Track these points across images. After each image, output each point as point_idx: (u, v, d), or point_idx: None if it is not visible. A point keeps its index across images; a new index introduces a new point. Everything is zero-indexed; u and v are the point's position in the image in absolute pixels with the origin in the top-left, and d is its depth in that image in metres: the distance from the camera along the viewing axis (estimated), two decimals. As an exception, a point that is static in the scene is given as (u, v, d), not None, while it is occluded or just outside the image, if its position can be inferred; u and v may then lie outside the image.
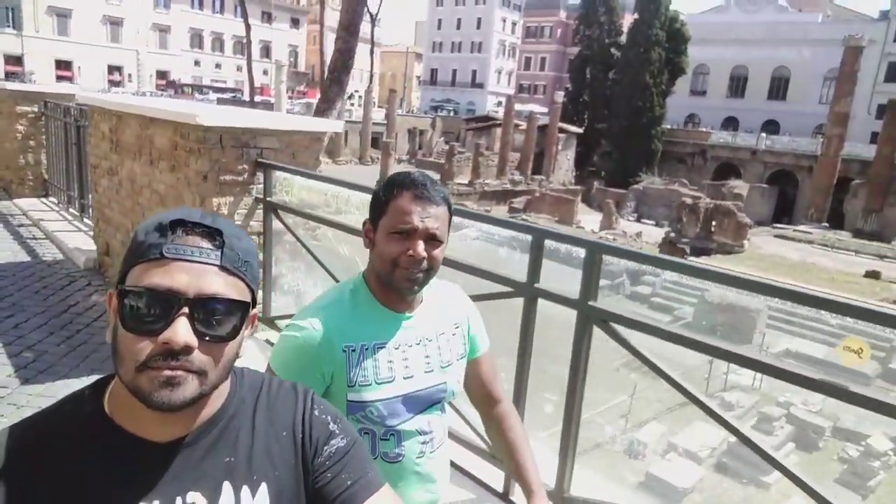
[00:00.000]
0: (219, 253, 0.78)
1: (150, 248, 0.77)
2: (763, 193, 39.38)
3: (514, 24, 71.55)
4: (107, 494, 0.77)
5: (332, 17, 75.15)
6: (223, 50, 60.88)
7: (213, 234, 0.79)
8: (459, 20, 72.15)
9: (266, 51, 61.23)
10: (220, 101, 41.39)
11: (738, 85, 57.76)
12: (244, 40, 36.02)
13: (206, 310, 0.77)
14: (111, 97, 5.37)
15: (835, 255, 24.93)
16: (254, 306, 0.85)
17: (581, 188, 39.10)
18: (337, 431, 0.93)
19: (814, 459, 11.35)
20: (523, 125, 40.49)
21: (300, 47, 67.47)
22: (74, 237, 5.60)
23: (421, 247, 1.22)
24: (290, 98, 51.63)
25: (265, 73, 57.13)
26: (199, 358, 0.76)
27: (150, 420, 0.79)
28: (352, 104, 51.92)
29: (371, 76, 44.59)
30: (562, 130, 41.37)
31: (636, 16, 42.79)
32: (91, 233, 5.35)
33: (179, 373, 0.75)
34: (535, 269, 1.97)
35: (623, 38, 44.27)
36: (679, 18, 43.57)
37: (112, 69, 50.25)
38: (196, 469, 0.82)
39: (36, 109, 6.76)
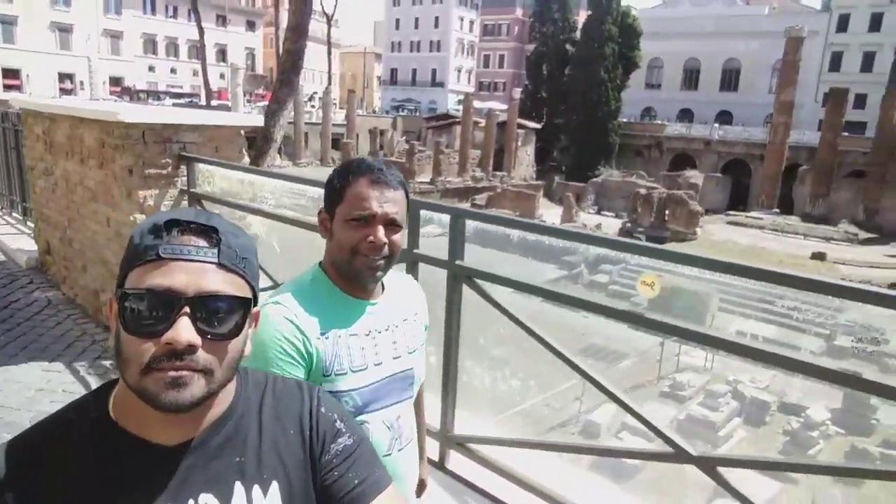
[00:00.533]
0: (216, 251, 0.78)
1: (146, 249, 0.77)
2: (717, 182, 40.53)
3: (471, 22, 72.02)
4: (117, 500, 0.77)
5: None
6: (178, 55, 59.96)
7: (209, 231, 0.79)
8: (417, 20, 72.32)
9: (222, 54, 60.48)
10: (176, 106, 40.94)
11: (691, 77, 59.24)
12: (199, 45, 35.71)
13: (207, 308, 0.77)
14: (43, 100, 5.47)
15: (784, 239, 25.87)
16: (255, 303, 0.85)
17: (542, 183, 39.70)
18: (344, 429, 0.93)
19: (761, 434, 11.90)
20: (483, 122, 40.91)
21: (257, 50, 66.80)
22: (17, 239, 5.69)
23: (381, 232, 1.20)
24: (248, 101, 51.26)
25: (222, 76, 56.47)
26: (203, 357, 0.77)
27: (158, 423, 0.79)
28: (312, 106, 51.67)
29: (329, 77, 44.60)
30: (521, 126, 41.91)
31: (589, 12, 43.55)
32: (33, 234, 5.45)
33: (185, 373, 0.75)
34: (413, 239, 2.20)
35: (577, 35, 44.99)
36: (631, 14, 44.50)
37: (63, 77, 49.10)
38: (207, 471, 0.82)
39: (-27, 116, 6.79)
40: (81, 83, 48.96)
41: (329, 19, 42.86)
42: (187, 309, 0.75)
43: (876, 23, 50.17)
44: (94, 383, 3.29)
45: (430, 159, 37.31)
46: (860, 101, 46.68)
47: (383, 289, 1.32)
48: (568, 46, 45.84)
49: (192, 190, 3.52)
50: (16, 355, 3.57)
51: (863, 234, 27.21)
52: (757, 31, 54.11)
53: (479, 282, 2.12)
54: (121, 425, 0.80)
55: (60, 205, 4.36)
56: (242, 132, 3.87)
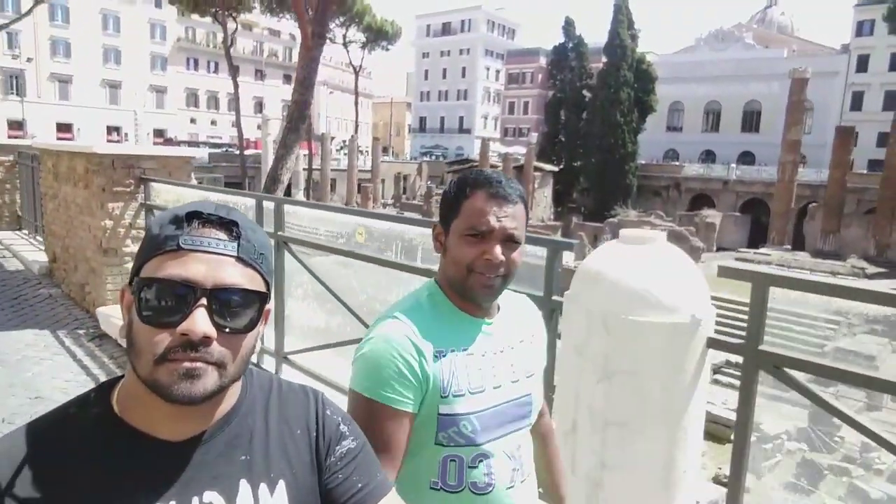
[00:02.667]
0: (235, 244, 0.78)
1: (166, 239, 0.77)
2: (736, 221, 40.87)
3: (497, 71, 74.55)
4: (121, 496, 0.76)
5: (325, 73, 77.18)
6: (218, 107, 63.75)
7: (229, 225, 0.79)
8: (445, 70, 75.28)
9: (259, 106, 63.97)
10: (212, 157, 43.58)
11: (712, 119, 60.01)
12: (235, 97, 38.37)
13: (223, 301, 0.76)
14: (51, 141, 6.92)
15: (790, 273, 26.14)
16: (268, 300, 0.84)
17: (559, 223, 40.71)
18: (347, 433, 0.93)
19: (724, 449, 12.46)
20: (501, 166, 42.40)
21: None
22: (36, 254, 7.08)
23: (498, 249, 1.14)
24: (283, 150, 53.99)
25: (259, 127, 59.77)
26: (217, 349, 0.76)
27: (164, 418, 0.78)
28: (343, 153, 54.14)
29: (356, 126, 46.89)
30: (537, 169, 43.21)
31: (605, 59, 45.11)
32: (47, 250, 6.83)
33: (199, 364, 0.74)
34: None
35: (594, 80, 46.51)
36: (646, 60, 45.86)
37: (111, 129, 52.78)
38: (212, 468, 0.81)
39: (11, 158, 8.35)
40: (126, 135, 52.48)
41: (356, 71, 45.35)
42: (204, 301, 0.75)
43: (896, 62, 50.45)
44: (69, 343, 4.52)
45: (449, 201, 38.80)
46: (882, 139, 46.74)
47: (499, 308, 1.26)
48: (585, 92, 47.32)
49: (147, 202, 4.80)
50: (17, 325, 4.84)
51: (871, 269, 27.29)
52: (777, 73, 54.78)
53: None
54: (126, 420, 0.79)
55: (62, 220, 5.71)
56: (193, 161, 5.15)
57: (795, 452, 11.93)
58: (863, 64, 52.76)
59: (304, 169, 40.92)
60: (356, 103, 47.43)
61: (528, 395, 1.25)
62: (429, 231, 1.27)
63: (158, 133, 56.77)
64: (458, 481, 1.16)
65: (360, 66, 46.54)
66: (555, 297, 2.02)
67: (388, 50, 46.23)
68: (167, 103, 58.59)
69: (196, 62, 61.39)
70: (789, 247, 32.13)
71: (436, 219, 1.30)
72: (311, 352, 3.29)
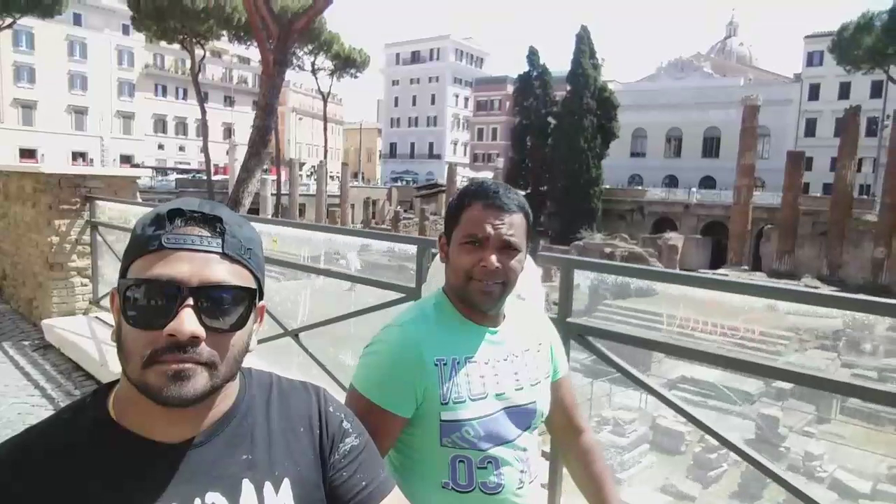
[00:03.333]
0: (220, 240, 0.77)
1: (148, 240, 0.76)
2: (697, 244, 41.95)
3: (466, 98, 75.82)
4: (121, 500, 0.75)
5: (295, 99, 77.79)
6: (187, 133, 63.57)
7: (213, 221, 0.78)
8: (415, 97, 76.30)
9: (228, 132, 63.91)
10: (179, 182, 43.45)
11: (674, 145, 61.79)
12: (202, 123, 38.51)
13: (210, 299, 0.75)
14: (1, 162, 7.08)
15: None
16: (261, 297, 0.84)
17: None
18: (350, 430, 0.93)
19: (674, 460, 12.85)
20: (469, 190, 43.05)
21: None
22: (-13, 275, 7.17)
23: (494, 257, 1.17)
24: (253, 176, 54.01)
25: (227, 152, 59.76)
26: (207, 349, 0.75)
27: (161, 421, 0.77)
28: (309, 176, 54.38)
29: (326, 151, 47.26)
30: (505, 194, 44.00)
31: (569, 87, 46.35)
32: (-1, 269, 6.95)
33: (188, 365, 0.73)
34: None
35: (558, 108, 47.67)
36: (608, 88, 47.20)
37: (76, 155, 52.25)
38: (213, 468, 0.80)
39: (-35, 181, 8.45)
40: (92, 161, 51.97)
41: (325, 98, 45.86)
42: (190, 300, 0.73)
43: (845, 91, 52.68)
44: (12, 353, 4.68)
45: (417, 225, 39.22)
46: (835, 163, 48.66)
47: (504, 317, 1.29)
48: (550, 119, 48.46)
49: (92, 219, 5.03)
50: (-35, 338, 4.99)
51: (824, 289, 28.29)
52: (734, 101, 56.67)
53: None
54: (121, 424, 0.78)
55: (11, 238, 5.88)
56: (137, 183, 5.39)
57: (741, 463, 12.35)
58: (814, 92, 55.08)
59: (272, 194, 41.03)
60: (325, 129, 47.90)
61: (534, 403, 1.28)
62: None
63: (125, 159, 56.34)
64: (469, 481, 1.20)
65: (329, 93, 47.10)
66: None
67: (356, 77, 46.91)
68: (135, 129, 58.28)
69: (164, 88, 61.32)
70: (747, 267, 33.12)
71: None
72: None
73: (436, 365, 1.18)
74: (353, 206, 47.37)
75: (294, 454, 0.87)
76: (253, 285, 0.81)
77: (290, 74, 61.38)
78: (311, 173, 57.74)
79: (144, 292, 0.74)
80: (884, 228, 28.07)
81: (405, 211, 43.14)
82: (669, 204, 47.07)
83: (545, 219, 50.30)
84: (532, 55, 50.87)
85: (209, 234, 0.77)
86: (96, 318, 5.03)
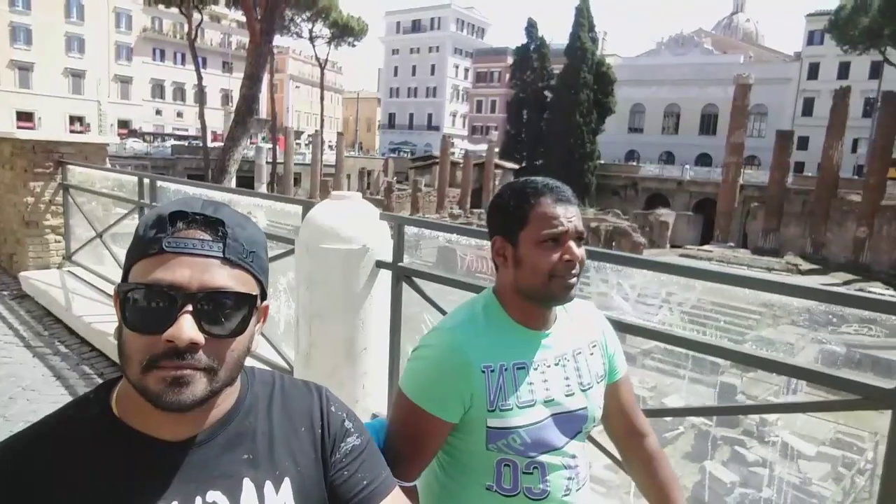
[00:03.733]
0: (221, 244, 0.76)
1: (150, 243, 0.75)
2: (689, 220, 42.37)
3: (466, 69, 75.46)
4: (123, 497, 0.75)
5: (294, 66, 77.21)
6: (185, 99, 63.51)
7: (215, 224, 0.77)
8: (414, 67, 75.95)
9: (227, 99, 63.84)
10: (175, 148, 43.70)
11: (671, 122, 61.78)
12: (200, 89, 38.62)
13: (210, 304, 0.75)
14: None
15: (727, 269, 27.54)
16: (264, 298, 0.83)
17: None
18: (352, 429, 0.93)
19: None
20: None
21: (261, 95, 70.39)
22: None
23: (576, 248, 1.17)
24: (251, 143, 54.19)
25: (225, 120, 59.81)
26: (206, 355, 0.75)
27: (163, 419, 0.77)
28: (307, 147, 54.55)
29: (322, 120, 47.38)
30: (498, 167, 44.23)
31: (566, 61, 46.28)
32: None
33: (187, 371, 0.73)
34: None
35: (555, 82, 47.67)
36: (605, 62, 47.15)
37: (73, 119, 52.35)
38: (214, 467, 0.81)
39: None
40: (89, 125, 52.10)
41: (322, 66, 45.83)
42: (190, 306, 0.73)
43: (844, 71, 52.51)
44: (-8, 300, 5.20)
45: (410, 197, 39.61)
46: (829, 144, 48.81)
47: (556, 318, 1.26)
48: (546, 93, 48.48)
49: (64, 182, 5.50)
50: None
51: (805, 266, 28.82)
52: (732, 79, 56.64)
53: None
54: (125, 422, 0.79)
55: (-6, 198, 6.36)
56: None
57: (699, 426, 13.00)
58: (814, 71, 54.89)
59: (267, 162, 41.35)
60: (321, 98, 47.94)
61: (584, 409, 1.24)
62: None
63: (123, 124, 56.47)
64: (514, 485, 1.18)
65: (326, 61, 47.03)
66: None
67: (354, 46, 46.82)
68: (132, 94, 58.24)
69: (163, 53, 61.10)
70: (733, 244, 33.61)
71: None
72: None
73: (483, 371, 1.16)
74: (348, 176, 47.70)
75: (295, 453, 0.88)
76: (255, 290, 0.80)
77: (288, 41, 61.24)
78: (310, 142, 57.88)
79: (144, 297, 0.74)
80: (867, 208, 28.47)
81: (400, 182, 43.45)
82: (663, 180, 47.35)
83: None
84: (530, 27, 50.64)
85: (211, 238, 0.77)
86: (68, 271, 5.53)
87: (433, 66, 74.83)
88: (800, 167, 49.91)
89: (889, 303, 1.51)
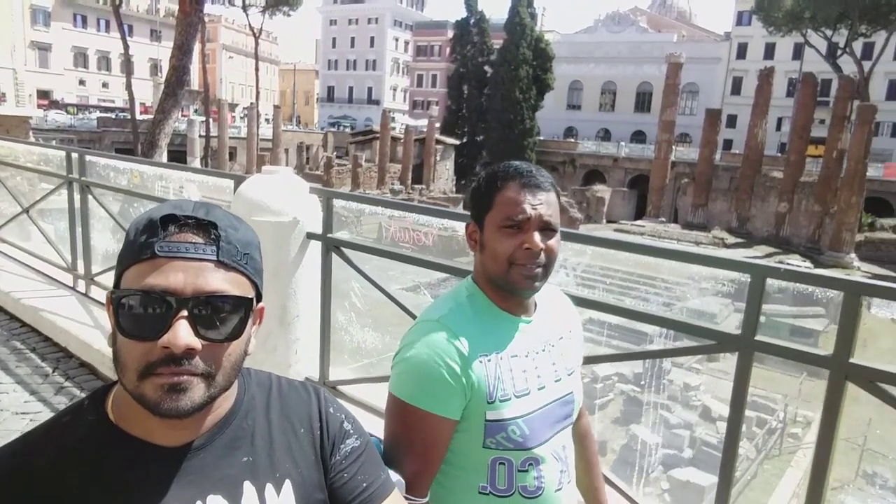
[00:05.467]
0: (215, 247, 0.75)
1: (141, 248, 0.74)
2: (624, 196, 43.68)
3: (406, 42, 74.62)
4: None
5: (226, 36, 74.30)
6: (110, 69, 60.42)
7: (207, 227, 0.76)
8: (353, 39, 74.57)
9: (155, 69, 61.09)
10: (102, 121, 41.67)
11: (608, 99, 63.09)
12: (126, 58, 36.77)
13: (206, 309, 0.74)
14: None
15: (657, 243, 28.67)
16: (259, 300, 0.82)
17: (461, 196, 42.07)
18: (351, 431, 0.93)
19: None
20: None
21: (192, 65, 67.67)
22: None
23: (537, 237, 1.12)
24: (183, 115, 52.21)
25: (154, 91, 57.24)
26: (203, 360, 0.74)
27: (159, 425, 0.76)
28: (242, 120, 52.98)
29: (257, 92, 46.05)
30: (439, 142, 44.21)
31: (505, 36, 46.40)
32: None
33: (184, 377, 0.72)
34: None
35: (495, 57, 47.80)
36: (544, 39, 47.51)
37: (-14, 88, 49.02)
38: (213, 471, 0.80)
39: None
40: (4, 95, 48.98)
41: (256, 35, 44.43)
42: (185, 311, 0.72)
43: (770, 51, 54.72)
44: None
45: (350, 172, 39.20)
46: (755, 122, 50.99)
47: (536, 305, 1.24)
48: (486, 68, 48.57)
49: (-18, 155, 5.30)
50: None
51: (731, 239, 30.30)
52: (666, 57, 58.21)
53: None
54: (121, 427, 0.78)
55: None
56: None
57: (628, 393, 13.67)
58: (742, 51, 56.95)
59: (200, 136, 39.98)
60: (256, 68, 46.53)
61: (571, 394, 1.24)
62: None
63: (43, 94, 53.29)
64: (508, 485, 1.15)
65: (261, 30, 45.62)
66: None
67: (289, 16, 45.52)
68: (52, 62, 54.93)
69: (84, 19, 57.73)
70: (664, 219, 34.91)
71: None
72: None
73: (480, 361, 1.12)
74: (286, 150, 46.66)
75: (295, 455, 0.87)
76: (250, 293, 0.80)
77: (220, 9, 58.83)
78: (245, 115, 56.22)
79: (138, 303, 0.73)
80: (787, 185, 30.06)
81: (340, 157, 42.94)
82: (599, 157, 48.52)
83: (480, 168, 51.10)
84: (470, 1, 50.39)
85: (203, 242, 0.75)
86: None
87: (372, 39, 73.68)
88: (729, 144, 51.93)
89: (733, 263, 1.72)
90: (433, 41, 72.42)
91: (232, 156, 42.84)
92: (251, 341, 0.82)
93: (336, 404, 0.95)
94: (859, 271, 25.42)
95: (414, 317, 2.34)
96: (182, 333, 0.71)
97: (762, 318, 1.71)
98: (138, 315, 0.73)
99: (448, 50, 71.93)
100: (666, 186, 34.54)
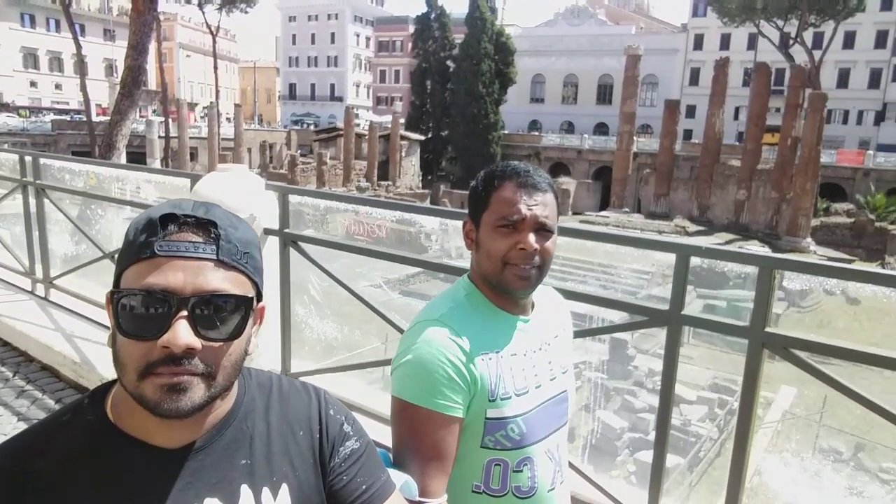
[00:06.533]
0: (214, 246, 0.75)
1: (141, 247, 0.74)
2: (589, 188, 44.28)
3: (367, 38, 74.20)
4: None
5: (183, 34, 73.00)
6: (63, 69, 58.77)
7: (207, 226, 0.75)
8: (314, 35, 73.85)
9: (111, 69, 59.62)
10: (56, 123, 40.53)
11: (571, 92, 63.72)
12: (78, 59, 35.81)
13: (206, 308, 0.73)
14: None
15: (622, 232, 29.15)
16: (259, 300, 0.81)
17: (427, 192, 42.14)
18: (351, 433, 0.92)
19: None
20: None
21: (149, 65, 66.18)
22: None
23: (532, 237, 1.12)
24: (141, 116, 51.01)
25: (110, 92, 55.86)
26: (203, 360, 0.73)
27: (159, 426, 0.76)
28: (202, 120, 52.04)
29: (217, 91, 45.36)
30: (404, 138, 44.16)
31: (467, 31, 46.50)
32: None
33: (184, 377, 0.72)
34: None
35: (457, 51, 47.89)
36: (505, 33, 47.74)
37: (-70, 91, 47.30)
38: (211, 473, 0.80)
39: None
40: (-50, 98, 47.28)
41: (213, 33, 43.72)
42: (185, 311, 0.72)
43: (725, 42, 55.88)
44: None
45: (315, 170, 38.90)
46: (713, 112, 52.06)
47: (533, 304, 1.25)
48: (449, 63, 48.63)
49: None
50: None
51: (692, 227, 30.96)
52: (625, 49, 59.02)
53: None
54: (120, 428, 0.78)
55: None
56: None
57: (595, 380, 13.94)
58: (699, 42, 58.04)
59: (159, 137, 39.20)
60: (215, 66, 45.83)
61: (565, 392, 1.25)
62: None
63: (-9, 97, 51.59)
64: (502, 485, 1.15)
65: (218, 28, 44.93)
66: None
67: (246, 13, 44.92)
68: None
69: (32, 18, 55.98)
70: (628, 210, 35.50)
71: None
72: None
73: (482, 361, 1.12)
74: (249, 149, 46.08)
75: (293, 458, 0.87)
76: (250, 292, 0.79)
77: (175, 7, 57.70)
78: (205, 115, 55.25)
79: (138, 302, 0.73)
80: (745, 172, 30.82)
81: (304, 155, 42.57)
82: (564, 149, 49.05)
83: (446, 163, 51.15)
84: (430, -5, 50.37)
85: (203, 241, 0.75)
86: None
87: (333, 35, 73.06)
88: (689, 134, 53.02)
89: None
90: (395, 36, 72.16)
91: (193, 156, 42.12)
92: (252, 341, 0.82)
93: (337, 406, 0.95)
94: (815, 255, 26.26)
95: (374, 310, 2.42)
96: (182, 333, 0.71)
97: (723, 304, 1.82)
98: (138, 315, 0.73)
99: (410, 45, 71.81)
100: (629, 177, 35.11)
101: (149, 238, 0.73)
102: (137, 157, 36.25)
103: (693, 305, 20.46)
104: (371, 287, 17.85)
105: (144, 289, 0.72)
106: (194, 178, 2.75)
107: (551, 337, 1.26)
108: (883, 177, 37.81)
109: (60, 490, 0.73)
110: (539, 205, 1.14)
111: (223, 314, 0.75)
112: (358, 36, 73.55)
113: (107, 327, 3.36)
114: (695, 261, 1.91)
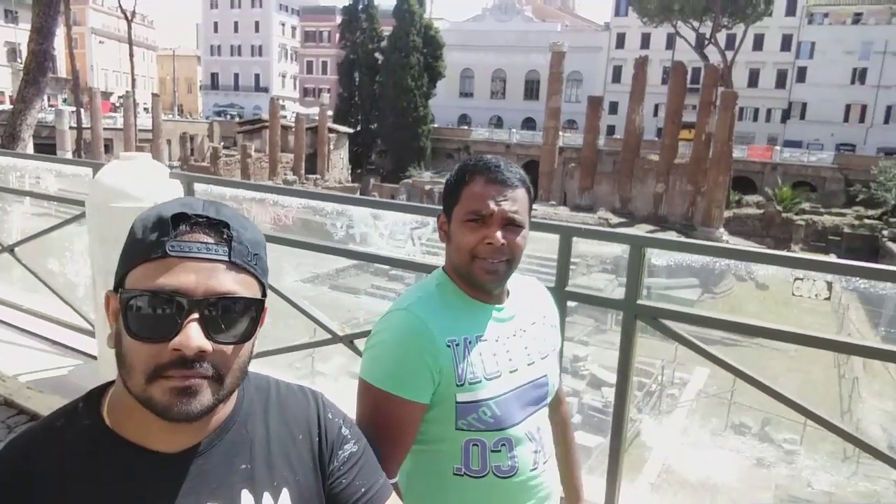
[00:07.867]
0: (227, 248, 0.73)
1: (151, 246, 0.71)
2: (516, 181, 45.19)
3: (293, 28, 72.52)
4: None
5: (96, 19, 69.51)
6: (-42, 53, 54.50)
7: (219, 226, 0.74)
8: (237, 23, 71.52)
9: (14, 54, 55.78)
10: (-49, 109, 37.59)
11: (499, 87, 64.53)
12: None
13: (217, 311, 0.72)
14: None
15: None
16: (264, 303, 0.80)
17: (357, 185, 41.71)
18: (349, 436, 0.92)
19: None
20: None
21: (57, 51, 62.25)
22: None
23: (499, 233, 1.15)
24: (50, 105, 47.96)
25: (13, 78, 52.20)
26: (213, 363, 0.72)
27: (159, 430, 0.74)
28: (118, 110, 49.49)
29: (133, 80, 43.27)
30: (332, 131, 43.52)
31: (395, 23, 46.26)
32: None
33: (195, 381, 0.71)
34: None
35: (385, 44, 47.58)
36: (434, 26, 47.82)
37: None
38: (211, 479, 0.78)
39: None
40: None
41: (129, 18, 41.64)
42: (196, 313, 0.71)
43: (646, 41, 57.96)
44: None
45: (240, 163, 37.78)
46: (634, 108, 53.97)
47: (508, 293, 1.28)
48: (377, 55, 48.26)
49: None
50: None
51: (615, 220, 32.04)
52: (551, 46, 60.27)
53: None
54: (117, 432, 0.76)
55: None
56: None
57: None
58: (621, 41, 59.98)
59: (71, 127, 37.02)
60: (131, 53, 43.64)
61: (545, 377, 1.28)
62: None
63: None
64: (482, 466, 1.18)
65: (133, 13, 42.80)
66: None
67: (165, -1, 42.88)
68: None
69: (-77, -3, 51.63)
70: (555, 203, 36.35)
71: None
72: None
73: (448, 346, 1.15)
74: (168, 141, 44.23)
75: (292, 462, 0.86)
76: (259, 294, 0.78)
77: (87, -10, 54.48)
78: (121, 105, 52.55)
79: (148, 304, 0.71)
80: (663, 167, 32.15)
81: (227, 148, 41.27)
82: (493, 144, 49.63)
83: (376, 157, 50.77)
84: (357, -14, 49.78)
85: (215, 241, 0.74)
86: None
87: (257, 23, 70.94)
88: (612, 130, 54.65)
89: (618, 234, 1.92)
90: (322, 27, 70.91)
91: (108, 148, 39.99)
92: (255, 343, 0.81)
93: (334, 409, 0.94)
94: (727, 244, 27.72)
95: (299, 308, 2.40)
96: (194, 336, 0.69)
97: (645, 290, 1.93)
98: (148, 316, 0.71)
99: (337, 36, 70.78)
100: (555, 171, 35.92)
101: (160, 237, 0.71)
102: (47, 149, 34.07)
103: (616, 293, 21.29)
104: (300, 282, 17.56)
105: (155, 290, 0.70)
106: (96, 167, 2.63)
107: (528, 324, 1.29)
108: (788, 171, 40.41)
109: (55, 497, 0.72)
110: (508, 200, 1.16)
111: (233, 316, 0.74)
112: (283, 25, 71.73)
113: (12, 326, 3.14)
114: (615, 250, 2.08)
